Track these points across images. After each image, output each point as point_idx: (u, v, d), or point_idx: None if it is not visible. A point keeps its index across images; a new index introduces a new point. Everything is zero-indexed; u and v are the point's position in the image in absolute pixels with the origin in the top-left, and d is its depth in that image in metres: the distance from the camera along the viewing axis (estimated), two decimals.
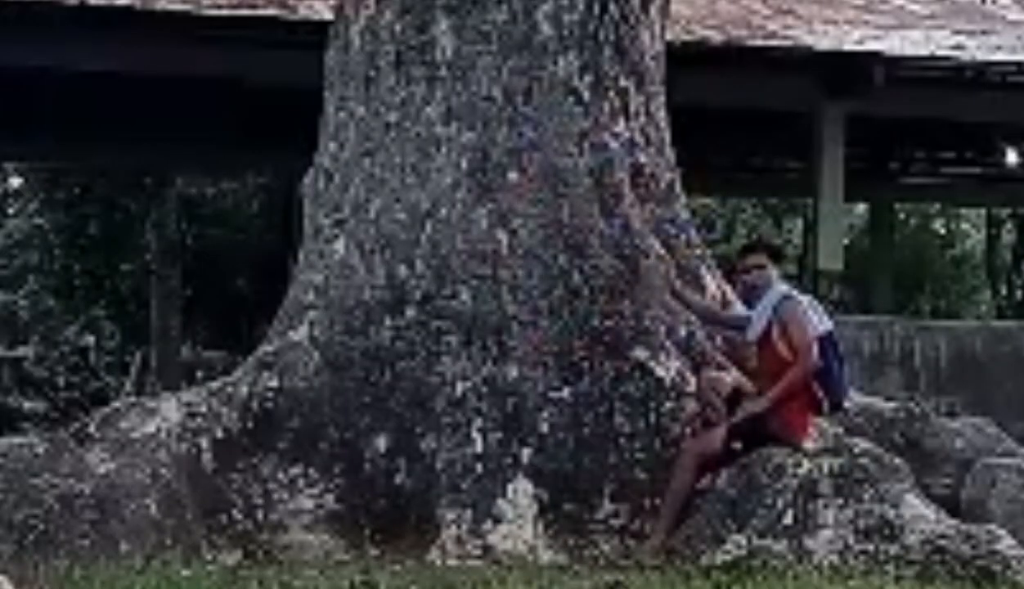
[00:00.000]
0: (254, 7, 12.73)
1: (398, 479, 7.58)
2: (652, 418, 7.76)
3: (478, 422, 7.68)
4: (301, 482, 7.51)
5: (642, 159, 8.51)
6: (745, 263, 7.85)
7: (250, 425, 7.59)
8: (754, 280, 7.78)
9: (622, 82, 8.51)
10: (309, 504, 7.47)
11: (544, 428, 7.71)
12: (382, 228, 8.15)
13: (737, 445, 7.45)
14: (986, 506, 7.64)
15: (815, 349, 7.49)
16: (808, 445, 7.51)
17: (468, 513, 7.49)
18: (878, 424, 8.23)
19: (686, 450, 7.51)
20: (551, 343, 7.87)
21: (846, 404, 8.21)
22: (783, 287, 7.72)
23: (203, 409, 7.57)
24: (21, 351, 20.86)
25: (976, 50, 14.31)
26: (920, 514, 7.01)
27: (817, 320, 7.63)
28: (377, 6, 8.47)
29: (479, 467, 7.58)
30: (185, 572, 6.51)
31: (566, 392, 7.79)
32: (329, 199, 8.40)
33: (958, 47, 14.30)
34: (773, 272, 7.77)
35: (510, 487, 7.57)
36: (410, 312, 7.93)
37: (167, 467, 7.21)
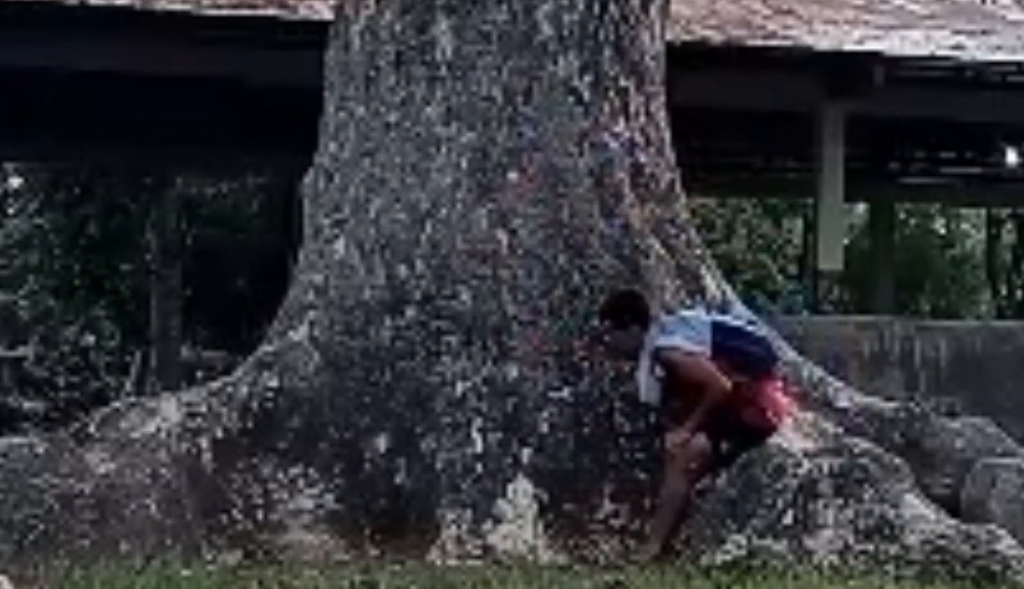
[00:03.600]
0: (254, 7, 12.73)
1: (398, 479, 7.58)
2: (652, 418, 7.76)
3: (478, 422, 7.68)
4: (301, 482, 7.51)
5: (642, 159, 8.52)
6: (609, 329, 7.76)
7: (250, 425, 7.59)
8: (620, 344, 7.70)
9: (622, 82, 8.52)
10: (309, 504, 7.47)
11: (544, 428, 7.72)
12: (382, 228, 8.15)
13: (724, 445, 7.45)
14: (986, 506, 7.63)
15: (711, 370, 7.42)
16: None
17: (468, 513, 7.49)
18: (878, 424, 8.22)
19: (676, 458, 7.49)
20: (551, 343, 7.88)
21: (845, 405, 8.22)
22: (648, 339, 7.58)
23: (203, 409, 7.57)
24: (21, 351, 20.87)
25: (976, 50, 14.31)
26: (920, 514, 7.01)
27: (694, 334, 7.51)
28: (377, 6, 8.47)
29: (479, 467, 7.58)
30: (185, 572, 6.51)
31: (566, 392, 7.79)
32: (329, 199, 8.40)
33: (958, 47, 14.30)
34: (636, 328, 7.63)
35: (510, 487, 7.57)
36: (410, 312, 7.93)
37: (167, 467, 7.21)
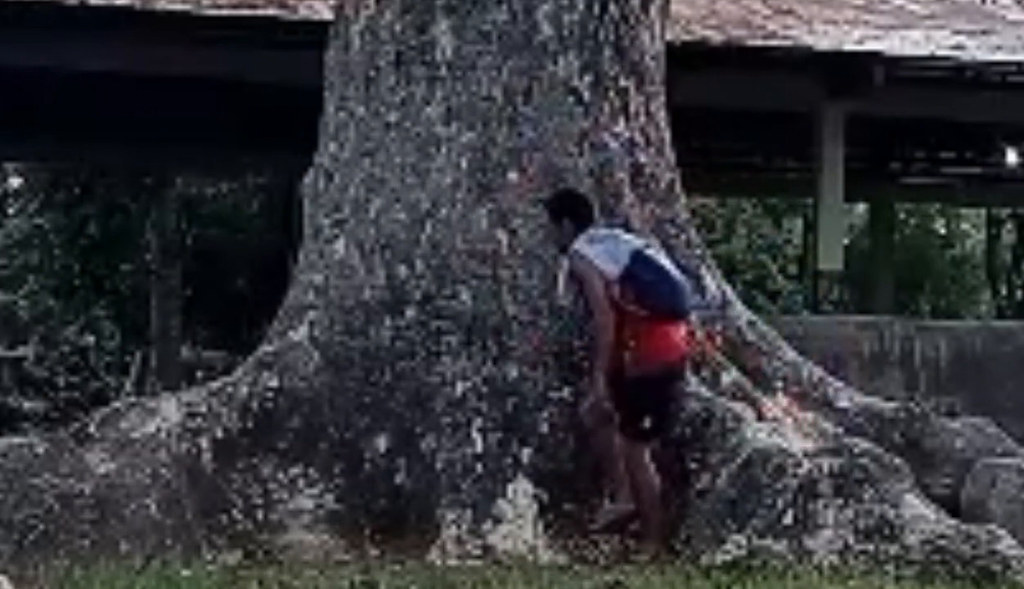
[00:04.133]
0: (254, 7, 12.72)
1: (398, 479, 7.58)
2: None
3: (478, 422, 7.68)
4: (301, 482, 7.51)
5: (642, 159, 8.52)
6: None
7: (250, 425, 7.59)
8: (555, 237, 7.80)
9: (622, 82, 8.52)
10: (309, 504, 7.47)
11: (544, 428, 7.72)
12: (382, 228, 8.16)
13: (647, 421, 7.42)
14: (986, 506, 7.64)
15: (599, 297, 7.44)
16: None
17: (468, 513, 7.49)
18: (878, 424, 8.23)
19: (627, 457, 7.47)
20: (551, 343, 7.87)
21: (845, 405, 8.21)
22: (577, 240, 7.63)
23: (203, 409, 7.56)
24: (21, 351, 20.84)
25: (976, 50, 14.30)
26: (920, 514, 7.01)
27: (613, 251, 7.51)
28: (377, 6, 8.47)
29: (479, 467, 7.58)
30: (185, 572, 6.51)
31: (566, 392, 7.79)
32: (329, 199, 8.41)
33: (958, 47, 14.29)
34: (567, 223, 7.69)
35: (510, 487, 7.57)
36: (410, 312, 7.93)
37: (167, 467, 7.21)
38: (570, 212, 7.77)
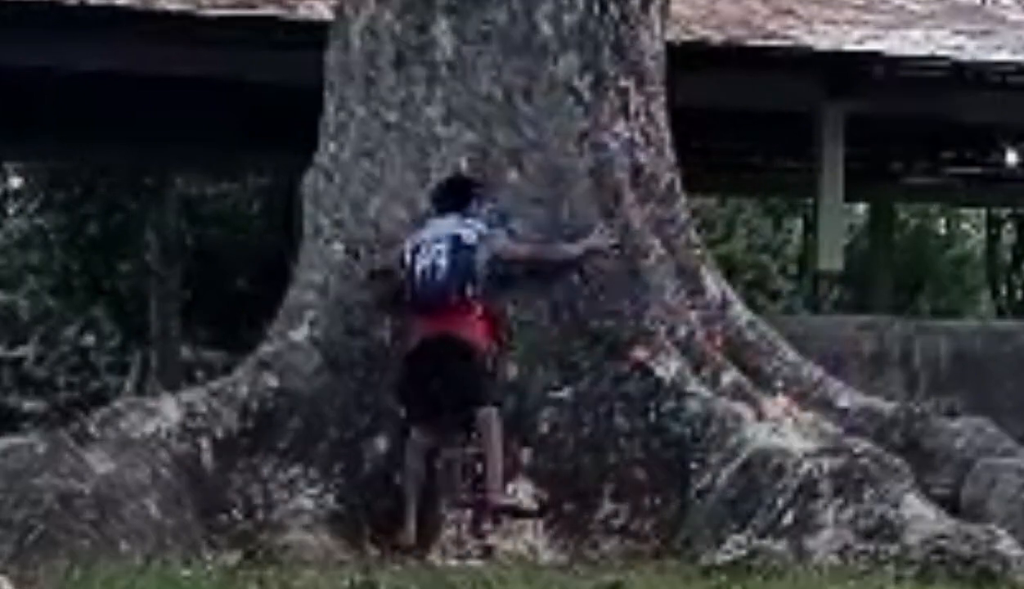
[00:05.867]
0: (254, 7, 12.72)
1: (398, 479, 7.58)
2: (652, 418, 7.76)
3: None
4: (301, 482, 7.51)
5: (642, 159, 8.51)
6: None
7: (250, 425, 7.59)
8: None
9: (622, 82, 8.51)
10: (309, 504, 7.47)
11: (544, 428, 7.72)
12: (382, 228, 8.15)
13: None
14: (986, 506, 7.63)
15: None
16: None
17: (468, 513, 7.49)
18: (878, 424, 8.23)
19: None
20: (551, 343, 7.87)
21: (845, 405, 8.21)
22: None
23: (203, 409, 7.57)
24: (21, 351, 20.84)
25: (976, 50, 14.31)
26: (920, 514, 7.01)
27: (409, 244, 7.71)
28: (377, 6, 8.47)
29: (479, 467, 7.58)
30: (185, 572, 6.51)
31: (566, 392, 7.79)
32: (329, 199, 8.40)
33: (958, 47, 14.30)
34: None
35: (510, 487, 7.57)
36: None
37: (167, 467, 7.21)
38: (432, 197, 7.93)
